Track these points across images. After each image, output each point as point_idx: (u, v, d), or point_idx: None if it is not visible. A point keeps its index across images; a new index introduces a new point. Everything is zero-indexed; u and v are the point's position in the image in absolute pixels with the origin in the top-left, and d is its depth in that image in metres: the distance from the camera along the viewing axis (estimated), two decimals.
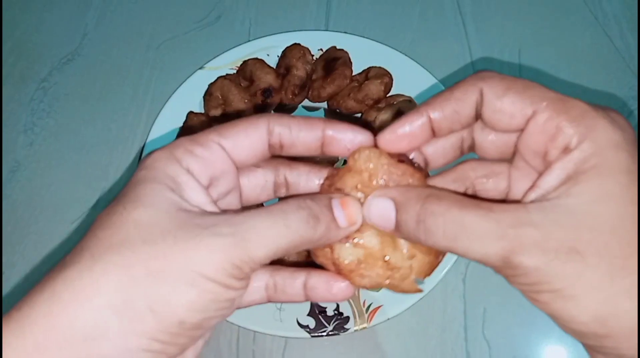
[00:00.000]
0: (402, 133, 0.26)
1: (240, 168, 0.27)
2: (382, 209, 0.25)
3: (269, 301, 0.29)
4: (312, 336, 0.50)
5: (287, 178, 0.29)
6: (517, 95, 0.23)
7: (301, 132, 0.26)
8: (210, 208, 0.25)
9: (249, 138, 0.26)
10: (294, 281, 0.28)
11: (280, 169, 0.29)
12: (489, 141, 0.27)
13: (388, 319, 0.51)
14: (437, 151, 0.28)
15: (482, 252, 0.22)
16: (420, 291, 0.27)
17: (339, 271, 0.27)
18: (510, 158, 0.27)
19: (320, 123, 0.27)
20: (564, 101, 0.22)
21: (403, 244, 0.27)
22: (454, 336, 0.54)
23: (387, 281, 0.27)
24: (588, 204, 0.21)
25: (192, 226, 0.22)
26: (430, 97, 0.25)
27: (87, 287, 0.21)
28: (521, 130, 0.24)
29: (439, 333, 0.54)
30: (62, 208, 0.62)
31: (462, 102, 0.24)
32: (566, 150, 0.22)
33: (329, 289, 0.27)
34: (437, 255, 0.27)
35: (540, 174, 0.23)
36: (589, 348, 0.23)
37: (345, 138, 0.27)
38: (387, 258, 0.26)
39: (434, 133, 0.26)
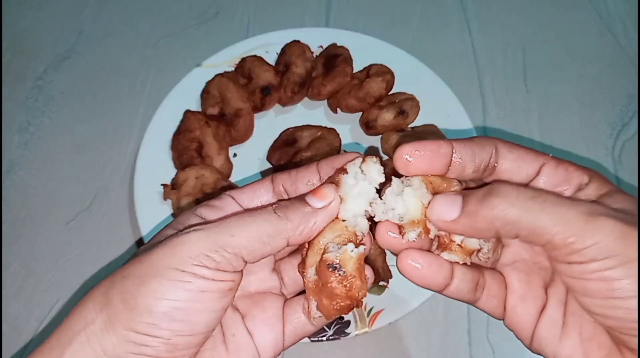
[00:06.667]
0: (425, 152, 0.28)
1: None
2: (450, 200, 0.28)
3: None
4: (312, 340, 0.49)
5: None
6: (525, 149, 0.29)
7: (299, 174, 0.31)
8: None
9: (254, 186, 0.31)
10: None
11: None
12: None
13: (390, 323, 0.50)
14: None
15: (563, 211, 0.25)
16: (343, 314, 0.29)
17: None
18: None
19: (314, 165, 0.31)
20: (558, 158, 0.29)
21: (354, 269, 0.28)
22: (457, 340, 0.52)
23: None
24: (625, 205, 0.26)
25: (170, 237, 0.27)
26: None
27: (86, 297, 0.27)
28: (533, 177, 0.29)
29: (442, 337, 0.53)
30: (58, 208, 0.61)
31: (482, 148, 0.29)
32: (580, 186, 0.28)
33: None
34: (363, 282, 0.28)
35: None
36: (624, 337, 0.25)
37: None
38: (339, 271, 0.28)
39: (448, 167, 0.29)
